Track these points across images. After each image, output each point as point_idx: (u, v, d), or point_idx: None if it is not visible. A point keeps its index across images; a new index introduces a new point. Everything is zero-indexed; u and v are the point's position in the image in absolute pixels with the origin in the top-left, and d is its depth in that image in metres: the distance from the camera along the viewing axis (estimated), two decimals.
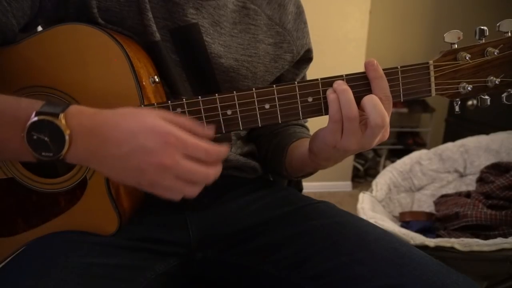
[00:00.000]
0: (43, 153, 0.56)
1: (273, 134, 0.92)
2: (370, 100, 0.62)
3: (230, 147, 0.86)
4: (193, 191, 0.58)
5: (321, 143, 0.68)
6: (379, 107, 0.61)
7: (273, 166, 0.92)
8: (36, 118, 0.55)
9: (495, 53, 0.63)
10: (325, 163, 0.72)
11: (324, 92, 0.65)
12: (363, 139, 0.63)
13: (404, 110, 3.42)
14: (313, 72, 0.94)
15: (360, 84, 0.65)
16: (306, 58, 0.92)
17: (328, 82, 0.65)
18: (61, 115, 0.55)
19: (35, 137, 0.55)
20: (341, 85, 0.63)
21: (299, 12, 0.88)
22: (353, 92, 0.63)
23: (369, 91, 0.64)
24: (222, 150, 0.58)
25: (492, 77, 0.64)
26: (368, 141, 0.64)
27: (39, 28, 0.73)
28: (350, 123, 0.62)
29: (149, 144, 0.54)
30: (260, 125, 0.66)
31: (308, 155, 0.73)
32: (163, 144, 0.54)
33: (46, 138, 0.55)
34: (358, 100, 0.64)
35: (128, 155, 0.55)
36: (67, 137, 0.55)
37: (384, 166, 3.00)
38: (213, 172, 0.58)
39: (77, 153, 0.56)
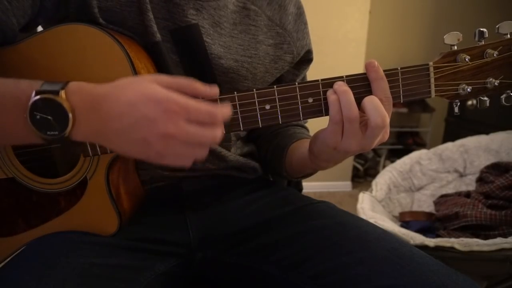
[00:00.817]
0: (48, 132, 0.55)
1: (273, 134, 0.92)
2: (371, 101, 0.62)
3: (230, 146, 0.87)
4: (202, 154, 0.57)
5: (321, 144, 0.68)
6: (379, 108, 0.61)
7: (273, 167, 0.92)
8: (37, 97, 0.54)
9: (495, 55, 0.63)
10: (325, 164, 0.72)
11: (325, 93, 0.65)
12: (363, 140, 0.63)
13: (404, 110, 3.42)
14: (313, 72, 0.94)
15: (360, 85, 0.65)
16: (307, 59, 0.92)
17: (329, 83, 0.65)
18: (62, 92, 0.54)
19: (38, 116, 0.54)
20: (341, 86, 0.63)
21: (300, 13, 0.88)
22: (353, 93, 0.63)
23: (369, 92, 0.64)
24: (225, 109, 0.57)
25: (491, 79, 0.64)
26: (368, 142, 0.64)
27: (40, 28, 0.73)
28: (351, 124, 0.62)
29: (150, 113, 0.52)
30: (260, 126, 0.66)
31: (308, 156, 0.73)
32: (164, 112, 0.52)
33: (49, 117, 0.54)
34: (358, 101, 0.64)
35: (131, 128, 0.54)
36: (70, 114, 0.54)
37: (384, 166, 3.00)
38: (220, 132, 0.56)
39: (82, 129, 0.55)
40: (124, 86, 0.55)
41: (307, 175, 0.84)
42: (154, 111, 0.52)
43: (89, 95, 0.55)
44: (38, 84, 0.56)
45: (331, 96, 0.63)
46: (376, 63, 0.63)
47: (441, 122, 3.37)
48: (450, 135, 2.98)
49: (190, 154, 0.56)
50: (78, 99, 0.54)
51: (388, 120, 0.62)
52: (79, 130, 0.55)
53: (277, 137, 0.90)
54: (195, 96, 0.56)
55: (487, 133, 2.17)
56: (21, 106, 0.55)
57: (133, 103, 0.53)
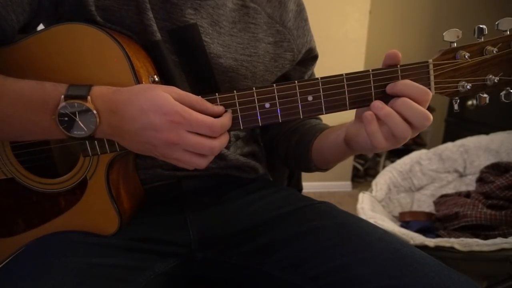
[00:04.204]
0: (76, 132, 0.62)
1: (290, 131, 0.92)
2: (408, 107, 0.62)
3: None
4: (201, 163, 0.64)
5: (366, 149, 0.69)
6: (419, 111, 0.62)
7: (298, 162, 0.91)
8: (65, 103, 0.60)
9: (494, 52, 0.63)
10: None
11: (324, 90, 0.65)
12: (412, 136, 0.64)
13: None
14: None
15: (360, 82, 0.65)
16: (311, 56, 0.92)
17: (328, 81, 0.65)
18: (89, 97, 0.61)
19: (66, 118, 0.61)
20: (381, 110, 0.63)
21: (300, 10, 0.88)
22: (353, 91, 0.64)
23: (369, 89, 0.65)
24: (225, 121, 0.63)
25: (491, 76, 0.64)
26: (414, 134, 0.65)
27: (39, 28, 0.73)
28: (406, 140, 0.63)
29: (156, 121, 0.59)
30: (260, 125, 0.66)
31: (346, 148, 0.74)
32: (169, 122, 0.59)
33: (77, 119, 0.61)
34: (358, 100, 0.64)
35: (140, 131, 0.60)
36: (97, 117, 0.61)
37: (384, 166, 3.00)
38: (218, 144, 0.63)
39: (104, 129, 0.62)
40: (139, 92, 0.61)
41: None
42: (161, 120, 0.59)
43: (109, 100, 0.61)
44: (63, 87, 0.62)
45: (370, 127, 0.63)
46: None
47: (441, 122, 3.37)
48: (450, 135, 2.97)
49: (190, 160, 0.63)
50: (101, 103, 0.61)
51: (430, 116, 0.62)
52: (101, 130, 0.62)
53: (296, 135, 0.90)
54: (203, 112, 0.62)
55: (487, 133, 2.17)
56: (49, 109, 0.61)
57: (144, 109, 0.60)
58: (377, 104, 0.63)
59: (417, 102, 0.62)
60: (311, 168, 0.87)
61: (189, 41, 0.76)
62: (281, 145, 0.94)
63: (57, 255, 0.66)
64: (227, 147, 0.86)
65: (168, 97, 0.60)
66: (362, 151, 0.71)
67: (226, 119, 0.64)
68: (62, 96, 0.60)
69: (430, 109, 0.61)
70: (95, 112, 0.60)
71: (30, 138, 0.67)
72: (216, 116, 0.63)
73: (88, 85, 0.62)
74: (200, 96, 0.64)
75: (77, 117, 0.60)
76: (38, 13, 0.72)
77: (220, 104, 0.65)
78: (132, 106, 0.60)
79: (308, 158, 0.85)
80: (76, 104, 0.60)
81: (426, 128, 0.61)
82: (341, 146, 0.75)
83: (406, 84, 0.62)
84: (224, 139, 0.64)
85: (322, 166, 0.86)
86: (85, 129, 0.61)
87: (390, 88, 0.64)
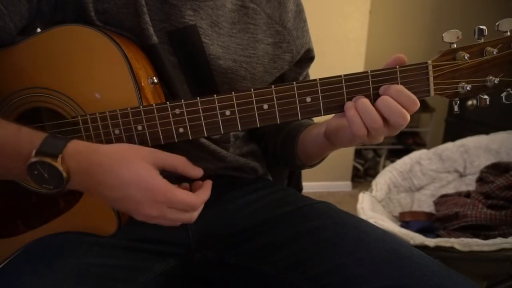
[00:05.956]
0: (44, 185, 0.61)
1: (279, 128, 0.92)
2: (385, 104, 0.63)
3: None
4: (176, 225, 0.66)
5: (345, 141, 0.70)
6: (395, 108, 0.62)
7: (284, 158, 0.91)
8: (35, 159, 0.59)
9: (494, 53, 0.62)
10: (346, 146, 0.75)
11: (323, 91, 0.65)
12: (389, 132, 0.65)
13: None
14: (313, 72, 0.94)
15: (359, 83, 0.64)
16: (308, 57, 0.92)
17: (327, 82, 0.64)
18: (59, 157, 0.59)
19: (35, 172, 0.60)
20: (358, 98, 0.64)
21: (299, 11, 0.88)
22: (352, 92, 0.64)
23: (368, 90, 0.65)
24: (206, 196, 0.67)
25: (491, 77, 0.64)
26: (394, 132, 0.65)
27: (38, 30, 0.73)
28: (377, 131, 0.63)
29: (138, 196, 0.60)
30: (258, 126, 0.66)
31: (327, 142, 0.75)
32: (151, 200, 0.61)
33: (46, 175, 0.60)
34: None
35: (120, 199, 0.62)
36: (65, 177, 0.60)
37: (384, 166, 3.00)
38: (196, 214, 0.66)
39: (75, 186, 0.62)
40: (120, 161, 0.61)
41: (323, 159, 0.86)
42: (142, 196, 0.60)
43: (86, 161, 0.61)
44: (38, 140, 0.61)
45: (349, 111, 0.64)
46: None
47: (441, 122, 3.37)
48: (450, 135, 2.97)
49: (169, 224, 0.65)
50: (75, 163, 0.60)
51: (408, 116, 0.63)
52: (71, 186, 0.62)
53: (284, 129, 0.90)
54: (184, 175, 0.66)
55: (487, 133, 2.17)
56: (21, 159, 0.60)
57: (126, 184, 0.60)
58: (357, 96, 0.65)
59: (404, 109, 0.62)
60: (296, 163, 0.87)
61: (188, 42, 0.76)
62: (270, 142, 0.94)
63: (57, 256, 0.66)
64: (227, 149, 0.86)
65: (150, 171, 0.61)
66: (341, 144, 0.72)
67: (206, 194, 0.68)
68: (34, 151, 0.60)
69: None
70: (63, 173, 0.59)
71: (1, 178, 0.70)
72: (197, 177, 0.67)
73: (66, 140, 0.61)
74: (184, 158, 0.66)
75: (46, 173, 0.60)
76: (36, 18, 0.72)
77: (219, 105, 0.65)
78: (110, 175, 0.60)
79: (294, 153, 0.85)
80: (45, 162, 0.59)
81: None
82: (321, 139, 0.75)
83: (397, 90, 0.63)
84: (201, 208, 0.67)
85: (306, 162, 0.86)
86: (53, 185, 0.61)
87: (382, 91, 0.64)
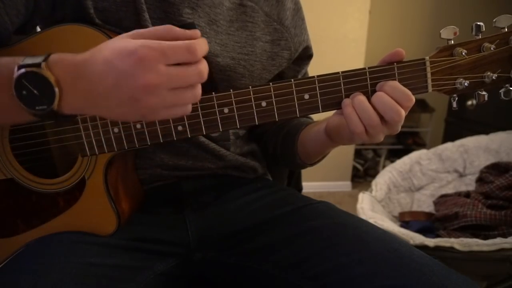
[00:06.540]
0: (37, 107, 0.53)
1: (279, 127, 0.92)
2: (380, 100, 0.63)
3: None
4: (195, 95, 0.55)
5: (346, 139, 0.70)
6: (390, 105, 0.62)
7: (285, 156, 0.91)
8: (19, 72, 0.52)
9: (492, 49, 0.63)
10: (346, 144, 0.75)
11: (321, 88, 0.65)
12: (389, 130, 0.65)
13: None
14: (312, 72, 0.94)
15: (357, 80, 0.65)
16: (306, 55, 0.92)
17: (324, 79, 0.65)
18: (43, 64, 0.52)
19: (24, 92, 0.53)
20: (354, 96, 0.64)
21: (297, 9, 0.88)
22: (350, 88, 0.64)
23: (366, 86, 0.65)
24: (201, 42, 0.54)
25: (489, 73, 0.64)
26: (395, 129, 0.65)
27: (38, 29, 0.74)
28: (374, 128, 0.63)
29: (126, 67, 0.50)
30: (257, 123, 0.66)
31: (328, 140, 0.75)
32: (139, 61, 0.50)
33: (35, 91, 0.53)
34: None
35: (115, 88, 0.51)
36: (54, 85, 0.52)
37: (384, 166, 3.00)
38: (205, 66, 0.54)
39: (70, 100, 0.54)
40: (100, 47, 0.54)
41: (323, 157, 0.86)
42: (129, 63, 0.50)
43: (71, 64, 0.53)
44: (20, 59, 0.54)
45: (346, 109, 0.64)
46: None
47: (441, 122, 3.37)
48: (450, 135, 2.97)
49: (183, 99, 0.54)
50: (61, 69, 0.53)
51: (403, 112, 0.62)
52: (67, 101, 0.53)
53: (284, 128, 0.90)
54: (175, 39, 0.53)
55: (487, 133, 2.17)
56: (5, 83, 0.54)
57: (109, 61, 0.51)
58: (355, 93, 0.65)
59: (399, 105, 0.62)
60: (296, 161, 0.87)
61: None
62: (269, 141, 0.94)
63: (57, 255, 0.66)
64: (227, 148, 0.86)
65: (126, 39, 0.53)
66: (341, 141, 0.72)
67: (201, 40, 0.54)
68: (16, 66, 0.53)
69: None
70: (51, 79, 0.52)
71: (2, 121, 0.64)
72: (192, 38, 0.54)
73: (47, 53, 0.54)
74: (168, 25, 0.55)
75: (34, 88, 0.52)
76: (34, 14, 0.72)
77: (217, 103, 0.65)
78: (96, 62, 0.52)
79: (294, 151, 0.85)
80: (30, 72, 0.52)
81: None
82: (322, 137, 0.76)
83: (391, 86, 0.63)
84: (205, 64, 0.55)
85: (306, 160, 0.86)
86: (46, 102, 0.53)
87: (378, 87, 0.65)
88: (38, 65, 0.52)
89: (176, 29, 0.54)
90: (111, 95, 0.52)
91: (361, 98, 0.64)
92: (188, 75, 0.52)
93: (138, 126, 0.68)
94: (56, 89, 0.52)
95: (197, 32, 0.55)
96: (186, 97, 0.54)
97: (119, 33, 0.72)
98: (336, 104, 0.66)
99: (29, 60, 0.53)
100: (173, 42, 0.51)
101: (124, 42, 0.52)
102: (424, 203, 2.02)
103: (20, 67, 0.53)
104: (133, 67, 0.50)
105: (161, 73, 0.50)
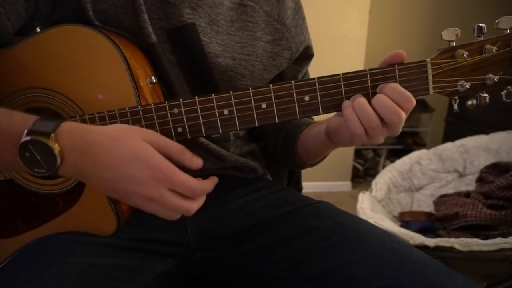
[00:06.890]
0: (36, 169, 0.57)
1: (279, 128, 0.92)
2: (380, 102, 0.63)
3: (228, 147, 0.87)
4: (175, 217, 0.61)
5: (345, 141, 0.70)
6: (390, 106, 0.62)
7: (285, 157, 0.91)
8: (27, 138, 0.56)
9: (494, 50, 0.62)
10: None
11: (321, 90, 0.65)
12: (389, 132, 0.65)
13: None
14: (312, 72, 0.94)
15: (357, 81, 0.64)
16: (307, 54, 0.92)
17: (325, 81, 0.64)
18: (52, 135, 0.56)
19: (27, 154, 0.57)
20: (355, 98, 0.64)
21: (298, 8, 0.88)
22: (350, 90, 0.64)
23: (367, 88, 0.64)
24: (208, 186, 0.63)
25: (490, 75, 0.64)
26: (395, 131, 0.65)
27: (37, 30, 0.73)
28: (374, 130, 0.63)
29: (137, 175, 0.56)
30: (257, 125, 0.66)
31: (328, 141, 0.75)
32: (151, 178, 0.57)
33: (38, 157, 0.56)
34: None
35: (117, 180, 0.57)
36: (58, 158, 0.56)
37: (384, 166, 3.00)
38: (196, 206, 0.62)
39: (68, 169, 0.58)
40: (117, 139, 0.58)
41: (324, 158, 0.86)
42: (143, 174, 0.56)
43: (81, 140, 0.57)
44: (30, 121, 0.57)
45: (346, 110, 0.64)
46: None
47: (441, 122, 3.37)
48: (450, 135, 2.97)
49: (164, 214, 0.60)
50: (69, 142, 0.57)
51: (403, 114, 0.62)
52: (64, 170, 0.58)
53: (285, 128, 0.90)
54: (180, 164, 0.60)
55: (487, 133, 2.17)
56: (12, 141, 0.57)
57: (125, 161, 0.56)
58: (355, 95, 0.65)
59: (399, 107, 0.62)
60: (296, 162, 0.87)
61: (187, 40, 0.76)
62: (270, 141, 0.94)
63: (56, 256, 0.66)
64: (227, 148, 0.86)
65: (150, 150, 0.58)
66: (341, 143, 0.72)
67: (209, 185, 0.64)
68: (26, 131, 0.56)
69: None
70: (56, 151, 0.56)
71: None
72: (194, 168, 0.62)
73: (59, 120, 0.58)
74: (182, 146, 0.61)
75: (38, 154, 0.56)
76: (34, 17, 0.72)
77: (217, 104, 0.65)
78: (109, 153, 0.57)
79: (294, 151, 0.85)
80: (37, 141, 0.55)
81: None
82: (322, 137, 0.75)
83: (392, 88, 0.63)
84: (202, 200, 0.63)
85: (306, 160, 0.86)
86: (45, 168, 0.57)
87: (378, 89, 0.64)
88: (47, 134, 0.56)
89: (186, 158, 0.61)
90: (109, 182, 0.58)
91: (361, 99, 0.63)
92: (179, 207, 0.60)
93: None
94: (59, 160, 0.56)
95: (200, 163, 0.63)
96: (167, 214, 0.61)
97: (119, 34, 0.72)
98: (336, 106, 0.66)
99: (39, 127, 0.57)
100: (185, 178, 0.58)
101: (146, 151, 0.58)
102: (424, 203, 2.02)
103: (28, 133, 0.56)
104: (145, 179, 0.57)
105: (162, 194, 0.58)
